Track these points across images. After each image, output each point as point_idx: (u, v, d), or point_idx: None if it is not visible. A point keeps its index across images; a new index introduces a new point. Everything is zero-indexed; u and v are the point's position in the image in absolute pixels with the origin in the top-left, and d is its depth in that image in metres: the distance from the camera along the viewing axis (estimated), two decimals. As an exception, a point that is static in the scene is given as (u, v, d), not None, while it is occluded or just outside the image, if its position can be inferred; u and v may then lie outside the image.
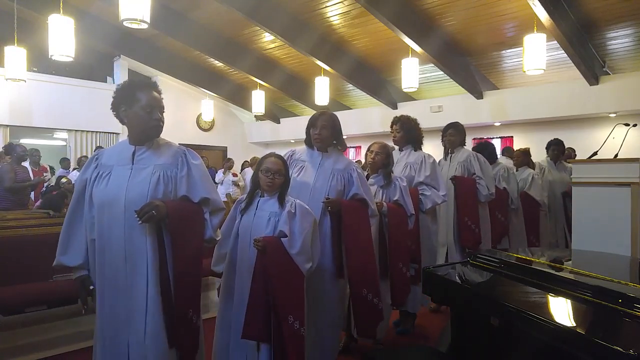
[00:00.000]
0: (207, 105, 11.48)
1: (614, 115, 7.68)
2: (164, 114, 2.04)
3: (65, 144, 10.78)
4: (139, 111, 1.94)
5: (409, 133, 3.59)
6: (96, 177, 1.96)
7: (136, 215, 1.82)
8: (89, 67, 10.60)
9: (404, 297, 3.13)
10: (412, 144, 3.62)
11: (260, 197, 2.34)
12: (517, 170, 5.00)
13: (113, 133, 10.53)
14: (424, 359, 2.45)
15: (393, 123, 3.67)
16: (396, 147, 3.75)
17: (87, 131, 10.32)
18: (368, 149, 3.25)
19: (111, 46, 9.54)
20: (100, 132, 10.40)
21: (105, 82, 10.75)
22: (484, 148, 4.52)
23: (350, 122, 10.88)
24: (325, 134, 2.69)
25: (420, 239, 3.47)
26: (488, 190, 3.88)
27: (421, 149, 3.68)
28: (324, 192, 2.63)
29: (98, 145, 10.15)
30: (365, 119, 10.52)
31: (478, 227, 3.83)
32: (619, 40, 6.70)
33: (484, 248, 3.83)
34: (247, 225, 2.28)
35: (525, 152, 5.19)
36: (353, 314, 2.64)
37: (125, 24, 4.60)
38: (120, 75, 10.62)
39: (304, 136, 2.84)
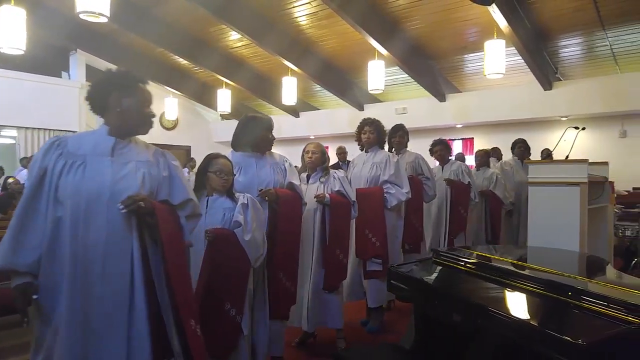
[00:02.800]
0: (171, 103, 11.25)
1: (565, 118, 8.08)
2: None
3: (14, 142, 9.97)
4: (135, 104, 1.83)
5: (379, 135, 3.74)
6: (63, 166, 1.73)
7: (120, 205, 1.68)
8: (43, 61, 10.05)
9: (336, 283, 3.21)
10: (379, 145, 3.76)
11: (208, 196, 2.39)
12: (477, 170, 5.18)
13: (68, 131, 9.87)
14: (388, 357, 2.51)
15: (365, 124, 3.75)
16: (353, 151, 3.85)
17: (39, 129, 9.58)
18: (304, 151, 3.34)
19: (67, 40, 9.14)
20: (54, 129, 9.65)
21: (60, 77, 10.26)
22: (448, 144, 4.85)
23: (318, 123, 10.95)
24: (272, 137, 2.81)
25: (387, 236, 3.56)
26: (433, 191, 4.09)
27: (384, 149, 3.80)
28: (270, 186, 2.71)
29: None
30: (332, 120, 10.60)
31: (421, 225, 4.06)
32: (570, 48, 7.06)
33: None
34: (199, 225, 2.24)
35: (487, 153, 5.37)
36: (268, 294, 2.68)
37: (82, 16, 4.46)
38: (77, 70, 10.14)
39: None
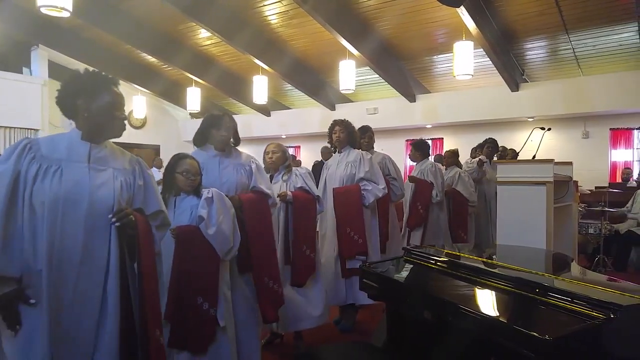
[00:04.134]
0: (139, 101, 10.99)
1: (532, 119, 8.31)
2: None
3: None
4: (105, 108, 1.75)
5: (350, 135, 3.77)
6: (37, 171, 1.66)
7: (111, 217, 1.68)
8: (3, 56, 9.67)
9: (304, 279, 3.20)
10: (351, 144, 3.78)
11: (175, 196, 2.39)
12: (446, 169, 5.26)
13: (30, 129, 9.56)
14: (359, 355, 2.51)
15: (335, 125, 3.79)
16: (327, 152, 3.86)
17: (0, 127, 9.27)
18: (265, 152, 3.35)
19: (28, 34, 8.84)
20: (14, 127, 9.35)
21: (22, 73, 9.89)
22: (422, 145, 4.90)
23: (289, 122, 10.91)
24: (228, 136, 2.74)
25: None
26: (401, 191, 4.15)
27: (358, 149, 3.83)
28: (232, 187, 2.67)
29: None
30: (304, 119, 10.58)
31: (386, 226, 4.07)
32: (535, 51, 7.27)
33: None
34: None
35: (455, 153, 5.47)
36: (258, 300, 2.68)
37: (43, 10, 4.32)
38: (39, 66, 9.80)
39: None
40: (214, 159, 2.71)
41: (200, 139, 2.77)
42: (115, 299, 1.70)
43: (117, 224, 1.69)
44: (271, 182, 3.26)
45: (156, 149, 12.29)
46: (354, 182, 3.63)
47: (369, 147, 4.19)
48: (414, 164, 4.99)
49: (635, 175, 7.72)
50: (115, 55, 9.65)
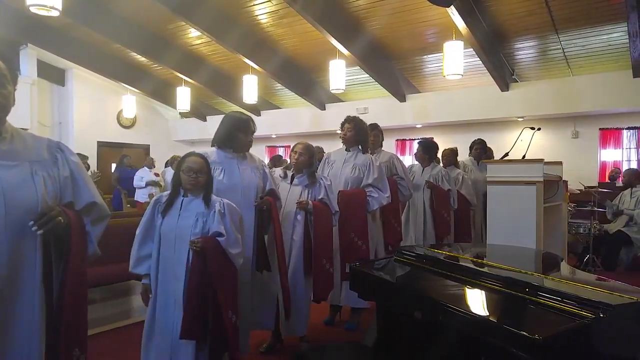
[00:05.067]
0: (129, 101, 10.92)
1: (522, 119, 8.36)
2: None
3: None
4: None
5: (359, 134, 3.68)
6: None
7: (33, 224, 1.41)
8: (-10, 55, 9.63)
9: (326, 293, 3.21)
10: (360, 145, 3.70)
11: (183, 197, 2.31)
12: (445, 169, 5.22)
13: (19, 129, 9.56)
14: (350, 355, 2.50)
15: (346, 121, 3.72)
16: (328, 150, 3.85)
17: None
18: (292, 150, 3.31)
19: (17, 33, 8.73)
20: None
21: (10, 72, 9.82)
22: (432, 148, 4.85)
23: (279, 122, 10.87)
24: (252, 141, 2.83)
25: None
26: (409, 191, 4.11)
27: (368, 152, 3.75)
28: (253, 189, 2.74)
29: None
30: (294, 119, 10.56)
31: (400, 225, 4.08)
32: (525, 51, 7.30)
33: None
34: (170, 226, 2.25)
35: (453, 152, 5.42)
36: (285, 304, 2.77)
37: (33, 10, 4.27)
38: (28, 65, 9.74)
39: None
40: (232, 161, 2.73)
41: (224, 140, 2.76)
42: (38, 321, 1.47)
43: (39, 231, 1.42)
44: (291, 182, 3.23)
45: (146, 149, 12.20)
46: (360, 186, 3.58)
47: (376, 145, 4.13)
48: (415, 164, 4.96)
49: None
50: (105, 55, 9.57)
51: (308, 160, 3.22)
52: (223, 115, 2.92)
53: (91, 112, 11.14)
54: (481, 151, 5.62)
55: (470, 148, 5.68)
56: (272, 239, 2.90)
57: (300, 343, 3.27)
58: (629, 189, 6.22)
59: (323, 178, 3.28)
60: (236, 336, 2.26)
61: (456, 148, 5.57)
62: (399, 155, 10.02)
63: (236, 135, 2.75)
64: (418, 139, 9.81)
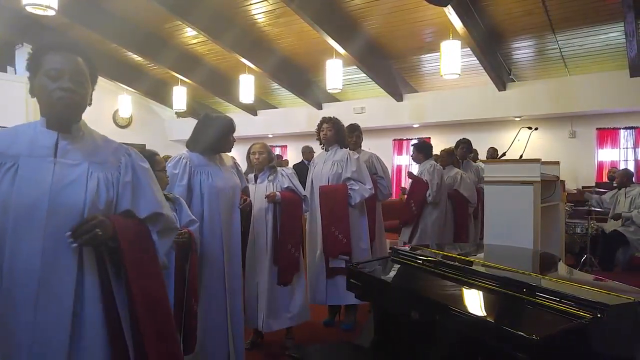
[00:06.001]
0: (125, 100, 10.88)
1: (519, 119, 8.35)
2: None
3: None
4: (43, 78, 1.38)
5: (338, 133, 3.74)
6: None
7: (69, 235, 1.27)
8: (-14, 54, 9.58)
9: (289, 277, 3.24)
10: (339, 143, 3.75)
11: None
12: (444, 169, 5.21)
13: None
14: (347, 355, 2.49)
15: (324, 122, 3.77)
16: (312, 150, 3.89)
17: None
18: (250, 152, 3.32)
19: (12, 33, 8.71)
20: None
21: (5, 72, 9.75)
22: (424, 147, 5.02)
23: (276, 121, 10.86)
24: (232, 143, 2.79)
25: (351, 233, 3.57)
26: (388, 190, 4.14)
27: (346, 148, 3.79)
28: (237, 190, 2.74)
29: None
30: (291, 119, 10.54)
31: (374, 223, 4.08)
32: (522, 50, 7.31)
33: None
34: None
35: (450, 153, 5.43)
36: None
37: (29, 9, 4.24)
38: (24, 65, 9.69)
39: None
40: (212, 162, 2.67)
41: (215, 144, 2.67)
42: (97, 339, 1.32)
43: (74, 244, 1.28)
44: (256, 182, 3.28)
45: (142, 149, 12.15)
46: (340, 181, 3.61)
47: (357, 146, 4.17)
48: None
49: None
50: (101, 54, 9.50)
51: (267, 157, 3.29)
52: (230, 117, 2.85)
53: (86, 111, 11.02)
54: (466, 150, 5.64)
55: (456, 147, 5.69)
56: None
57: (284, 339, 3.32)
58: (623, 189, 6.23)
59: (283, 169, 3.36)
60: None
61: (452, 148, 5.57)
62: (395, 155, 10.16)
63: (228, 138, 2.72)
64: (415, 138, 9.85)
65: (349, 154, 3.67)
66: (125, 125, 11.96)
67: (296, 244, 3.28)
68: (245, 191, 2.90)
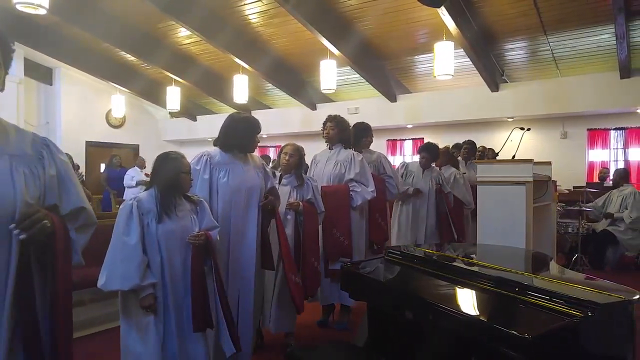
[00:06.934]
0: (118, 100, 10.79)
1: (511, 119, 8.41)
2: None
3: None
4: None
5: (342, 132, 3.71)
6: None
7: (15, 226, 1.21)
8: (-26, 54, 9.47)
9: (315, 289, 3.25)
10: (343, 142, 3.72)
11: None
12: (440, 169, 5.20)
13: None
14: (342, 355, 2.50)
15: (328, 120, 3.74)
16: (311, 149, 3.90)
17: None
18: (281, 151, 3.33)
19: (3, 32, 8.62)
20: None
21: (-5, 71, 9.67)
22: (432, 148, 4.88)
23: (270, 122, 10.82)
24: (257, 143, 2.84)
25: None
26: (396, 189, 4.11)
27: (351, 148, 3.77)
28: (255, 190, 2.73)
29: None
30: (285, 119, 10.54)
31: (386, 224, 4.07)
32: (514, 52, 7.36)
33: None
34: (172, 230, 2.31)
35: (445, 152, 5.34)
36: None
37: (20, 8, 4.21)
38: (15, 64, 9.44)
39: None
40: (236, 162, 2.71)
41: (238, 142, 2.71)
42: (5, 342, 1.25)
43: (21, 236, 1.22)
44: (279, 182, 3.25)
45: (135, 149, 12.10)
46: (343, 182, 3.59)
47: (367, 146, 4.13)
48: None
49: (611, 175, 7.88)
50: (94, 54, 9.47)
51: (297, 162, 3.25)
52: (212, 115, 2.91)
53: (79, 111, 11.02)
54: (469, 152, 5.65)
55: (459, 148, 5.70)
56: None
57: (285, 340, 3.30)
58: (617, 189, 6.30)
59: (310, 179, 3.33)
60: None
61: (449, 147, 5.55)
62: (389, 156, 10.18)
63: (253, 138, 2.75)
64: (409, 139, 9.89)
65: (354, 155, 3.64)
66: (118, 125, 11.89)
67: (317, 257, 3.28)
68: (272, 192, 2.84)
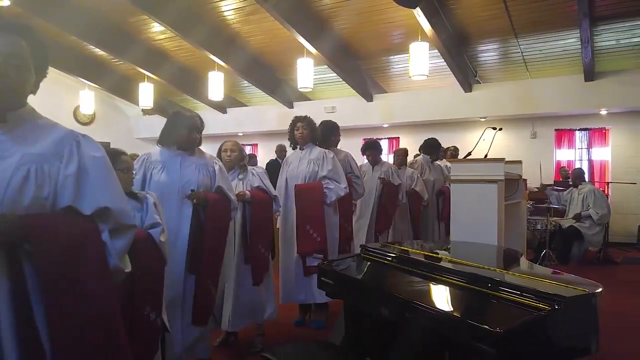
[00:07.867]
0: (87, 96, 10.47)
1: (484, 119, 8.60)
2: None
3: None
4: None
5: (313, 132, 3.77)
6: None
7: None
8: None
9: (262, 277, 3.25)
10: (314, 142, 3.78)
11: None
12: (399, 169, 5.37)
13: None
14: (318, 354, 2.51)
15: (298, 121, 3.77)
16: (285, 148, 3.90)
17: None
18: (221, 149, 3.33)
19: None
20: None
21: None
22: (374, 144, 5.11)
23: (246, 119, 10.77)
24: (198, 138, 2.77)
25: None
26: (362, 189, 4.18)
27: (321, 146, 3.82)
28: (192, 187, 2.64)
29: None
30: (261, 117, 10.48)
31: (351, 224, 4.12)
32: (487, 53, 7.52)
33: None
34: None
35: (406, 153, 5.68)
36: (196, 302, 2.60)
37: (-21, -1, 4.05)
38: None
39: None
40: (175, 158, 2.68)
41: (167, 139, 2.72)
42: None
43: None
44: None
45: (105, 147, 11.70)
46: (316, 180, 3.63)
47: (335, 145, 4.18)
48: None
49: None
50: (60, 47, 9.09)
51: (239, 156, 3.30)
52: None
53: (44, 107, 10.38)
54: (435, 152, 5.90)
55: (445, 151, 5.93)
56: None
57: (254, 337, 3.32)
58: (576, 187, 6.60)
59: (254, 168, 3.36)
60: (154, 335, 2.19)
61: (405, 149, 5.85)
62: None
63: (190, 134, 2.71)
64: (385, 138, 9.98)
65: (325, 153, 3.69)
66: (87, 122, 11.60)
67: (266, 243, 3.28)
68: (218, 191, 2.74)
